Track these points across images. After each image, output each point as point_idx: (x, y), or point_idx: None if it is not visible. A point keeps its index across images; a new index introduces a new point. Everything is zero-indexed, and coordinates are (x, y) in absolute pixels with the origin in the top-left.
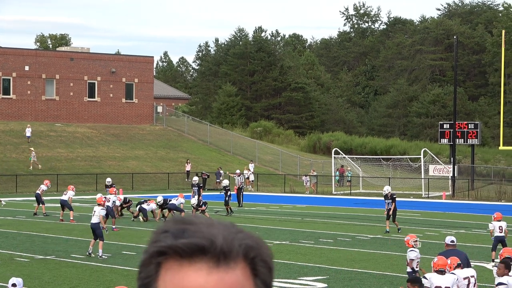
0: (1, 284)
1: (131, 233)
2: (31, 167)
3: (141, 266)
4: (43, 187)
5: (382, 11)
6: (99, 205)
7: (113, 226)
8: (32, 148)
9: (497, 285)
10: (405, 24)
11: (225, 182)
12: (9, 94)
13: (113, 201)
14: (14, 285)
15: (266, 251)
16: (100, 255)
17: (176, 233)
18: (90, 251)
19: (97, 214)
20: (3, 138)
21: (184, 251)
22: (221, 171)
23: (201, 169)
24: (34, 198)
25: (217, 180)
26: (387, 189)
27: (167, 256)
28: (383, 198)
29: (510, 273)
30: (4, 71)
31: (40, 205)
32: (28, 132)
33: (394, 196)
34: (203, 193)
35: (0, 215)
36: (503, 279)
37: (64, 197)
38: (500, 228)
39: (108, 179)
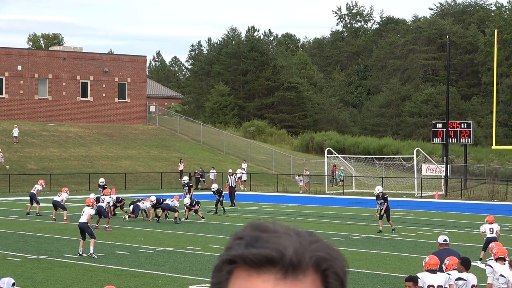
0: None
1: (124, 232)
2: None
3: (214, 272)
4: (38, 187)
5: (374, 11)
6: (87, 206)
7: (106, 226)
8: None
9: (456, 279)
10: (397, 24)
11: (215, 186)
12: (2, 94)
13: (108, 202)
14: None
15: (340, 263)
16: (91, 252)
17: (249, 241)
18: (81, 252)
19: (86, 214)
20: None
21: (253, 261)
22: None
23: (194, 169)
24: (28, 198)
25: (202, 179)
26: (378, 189)
27: (237, 264)
28: (370, 197)
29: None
30: None
31: (34, 204)
32: (15, 132)
33: (386, 196)
34: (196, 193)
35: None
36: (463, 275)
37: (57, 198)
38: (491, 229)
39: (101, 179)
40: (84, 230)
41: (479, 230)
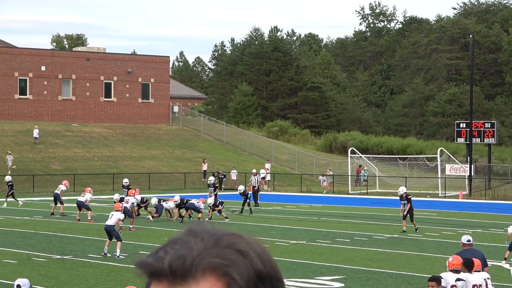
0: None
1: (148, 233)
2: (9, 171)
3: None
4: (62, 187)
5: (397, 10)
6: (116, 211)
7: (130, 226)
8: (9, 152)
9: (456, 280)
10: (421, 23)
11: (241, 187)
12: (26, 95)
13: (132, 203)
14: (18, 286)
15: (239, 268)
16: (117, 255)
17: (156, 252)
18: (106, 251)
19: (115, 217)
20: (20, 138)
21: (145, 272)
22: (233, 171)
23: (217, 169)
24: (52, 198)
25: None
26: (402, 189)
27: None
28: (394, 197)
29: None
30: (21, 71)
31: (58, 204)
32: (35, 133)
33: (409, 197)
34: (220, 193)
35: (18, 215)
36: (462, 275)
37: (81, 199)
38: None
39: (125, 180)
40: (111, 233)
41: (507, 231)
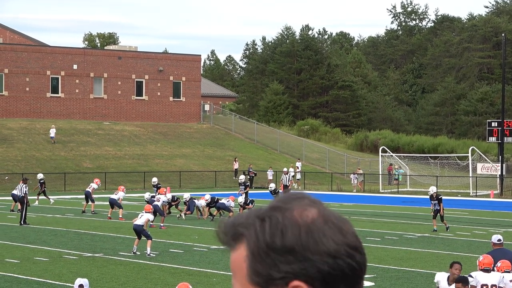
0: (50, 281)
1: (178, 231)
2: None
3: None
4: (93, 185)
5: (429, 9)
6: (147, 212)
7: (161, 224)
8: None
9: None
10: (452, 22)
11: (272, 185)
12: (58, 93)
13: (163, 201)
14: (81, 286)
15: (252, 233)
16: (148, 253)
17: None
18: (135, 250)
19: (144, 218)
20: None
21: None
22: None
23: (247, 168)
24: (83, 196)
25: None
26: (432, 189)
27: None
28: (425, 196)
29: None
30: (53, 70)
31: (89, 202)
32: (52, 133)
33: (440, 197)
34: (251, 191)
35: (49, 213)
36: (473, 274)
37: (114, 197)
38: None
39: (154, 179)
40: (140, 233)
41: None
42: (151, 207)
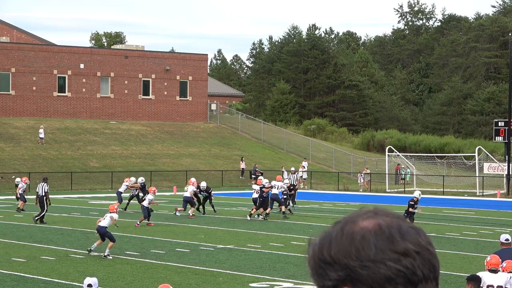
0: (57, 280)
1: (185, 230)
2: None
3: None
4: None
5: (436, 8)
6: (111, 212)
7: (138, 222)
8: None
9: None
10: (459, 21)
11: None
12: (65, 92)
13: (150, 199)
14: (90, 285)
15: (309, 253)
16: (105, 254)
17: None
18: (93, 248)
19: (108, 218)
20: (58, 135)
21: None
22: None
23: (253, 167)
24: (90, 195)
25: (253, 176)
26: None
27: None
28: (435, 196)
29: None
30: (60, 69)
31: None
32: (41, 133)
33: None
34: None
35: (56, 212)
36: (480, 273)
37: (145, 203)
38: None
39: (140, 179)
40: (103, 235)
41: None
42: (116, 207)
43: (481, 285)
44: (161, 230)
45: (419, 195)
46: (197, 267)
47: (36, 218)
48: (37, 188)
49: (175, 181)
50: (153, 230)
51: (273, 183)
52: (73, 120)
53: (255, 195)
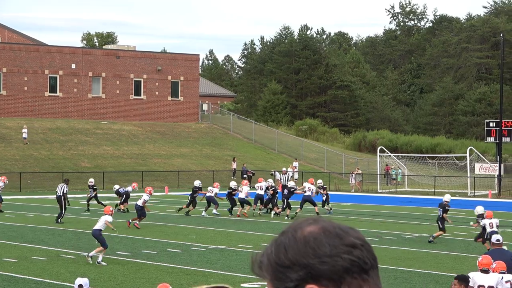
0: (48, 280)
1: (176, 230)
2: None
3: None
4: (129, 189)
5: (428, 9)
6: (105, 214)
7: (136, 222)
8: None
9: None
10: (451, 22)
11: (270, 181)
12: (56, 92)
13: (145, 200)
14: (80, 286)
15: (265, 258)
16: (98, 260)
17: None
18: (90, 254)
19: (102, 221)
20: (49, 135)
21: None
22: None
23: (246, 167)
24: (82, 196)
25: (244, 176)
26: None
27: None
28: (426, 196)
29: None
30: (51, 69)
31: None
32: (24, 133)
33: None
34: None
35: (47, 212)
36: (470, 274)
37: (139, 202)
38: (491, 224)
39: (91, 180)
40: (97, 238)
41: (479, 222)
42: (111, 209)
43: (470, 286)
44: (152, 230)
45: (449, 198)
46: (188, 268)
47: (59, 220)
48: (57, 188)
49: (166, 181)
50: (144, 230)
51: (306, 185)
52: (64, 120)
53: (242, 195)
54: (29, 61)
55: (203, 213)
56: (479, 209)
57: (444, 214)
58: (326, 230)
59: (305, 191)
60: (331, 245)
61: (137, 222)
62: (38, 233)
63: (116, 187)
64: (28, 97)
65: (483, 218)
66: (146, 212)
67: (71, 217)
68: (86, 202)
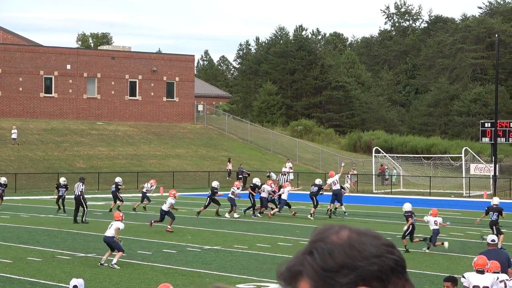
0: (43, 281)
1: (171, 231)
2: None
3: None
4: (146, 185)
5: (423, 10)
6: (116, 220)
7: (168, 226)
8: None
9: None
10: (446, 23)
11: (255, 180)
12: (51, 93)
13: (171, 203)
14: (75, 287)
15: (307, 267)
16: (113, 263)
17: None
18: (103, 262)
19: (114, 227)
20: (45, 136)
21: None
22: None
23: (241, 168)
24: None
25: (239, 177)
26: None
27: None
28: (422, 197)
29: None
30: (46, 69)
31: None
32: (14, 134)
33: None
34: (244, 192)
35: (42, 213)
36: (465, 274)
37: (164, 207)
38: (435, 222)
39: (62, 179)
40: (111, 244)
41: (425, 219)
42: (121, 214)
43: (465, 286)
44: (147, 230)
45: (498, 201)
46: (184, 268)
47: (84, 219)
48: (74, 188)
49: (161, 182)
50: (139, 230)
51: (331, 180)
52: (59, 121)
53: (230, 196)
54: (24, 62)
55: (227, 215)
56: (407, 206)
57: (501, 216)
58: (362, 232)
59: (331, 187)
60: (374, 246)
61: (169, 226)
62: (33, 234)
63: (145, 187)
64: (23, 98)
65: (411, 215)
66: (175, 211)
67: (66, 217)
68: (57, 202)
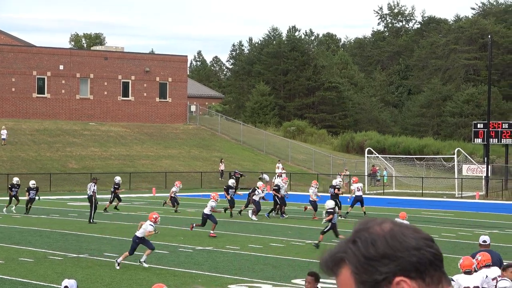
0: (35, 282)
1: (164, 231)
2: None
3: None
4: (174, 189)
5: (416, 10)
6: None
7: (212, 231)
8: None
9: None
10: (439, 23)
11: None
12: (44, 93)
13: (212, 206)
14: (67, 287)
15: (349, 255)
16: (143, 260)
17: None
18: (119, 261)
19: (145, 228)
20: (37, 137)
21: None
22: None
23: (234, 168)
24: (69, 197)
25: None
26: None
27: None
28: (414, 198)
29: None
30: (39, 70)
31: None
32: (3, 134)
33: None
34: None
35: (35, 213)
36: (454, 277)
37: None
38: None
39: (32, 182)
40: (142, 244)
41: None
42: (154, 216)
43: None
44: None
45: None
46: (176, 269)
47: (92, 220)
48: (87, 189)
49: (154, 183)
50: (132, 231)
51: (354, 186)
52: (52, 122)
53: (254, 198)
54: (17, 62)
55: (253, 217)
56: (330, 204)
57: None
58: (403, 225)
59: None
60: (415, 238)
61: (212, 231)
62: (25, 235)
63: (174, 191)
64: (16, 98)
65: (333, 213)
66: (217, 214)
67: (58, 218)
68: (25, 205)
